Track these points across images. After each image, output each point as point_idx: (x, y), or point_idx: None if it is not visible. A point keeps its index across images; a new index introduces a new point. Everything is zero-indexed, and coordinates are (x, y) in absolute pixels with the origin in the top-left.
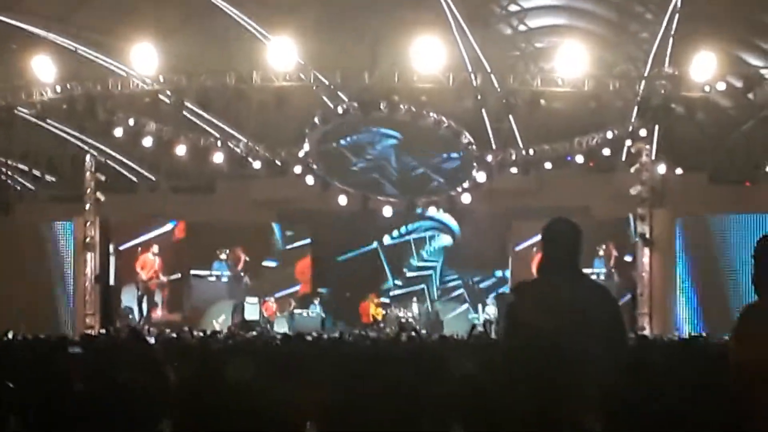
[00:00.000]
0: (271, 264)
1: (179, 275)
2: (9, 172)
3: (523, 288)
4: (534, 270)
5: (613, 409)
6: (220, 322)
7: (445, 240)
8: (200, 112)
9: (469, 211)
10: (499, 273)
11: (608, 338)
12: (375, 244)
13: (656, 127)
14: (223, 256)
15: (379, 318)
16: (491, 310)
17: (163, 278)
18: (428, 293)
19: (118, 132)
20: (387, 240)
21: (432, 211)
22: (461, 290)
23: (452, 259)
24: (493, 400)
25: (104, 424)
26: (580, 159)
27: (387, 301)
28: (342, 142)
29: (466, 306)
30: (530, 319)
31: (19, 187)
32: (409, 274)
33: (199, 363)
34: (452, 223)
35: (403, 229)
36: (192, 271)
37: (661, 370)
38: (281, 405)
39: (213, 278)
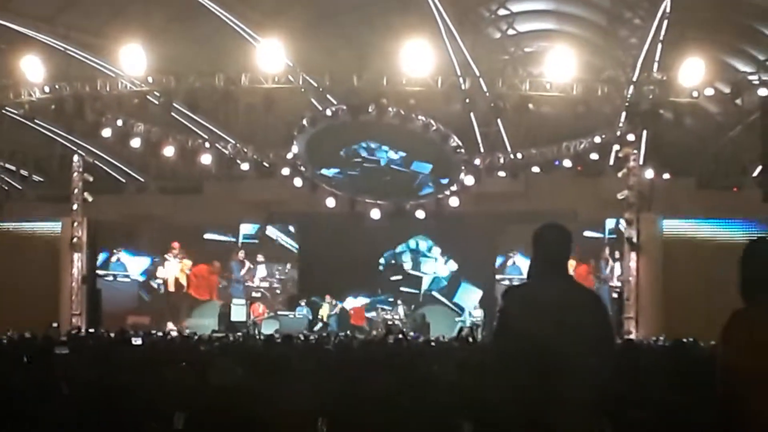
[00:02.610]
0: None
1: None
2: None
3: (513, 292)
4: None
5: (602, 412)
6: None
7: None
8: (189, 113)
9: (458, 214)
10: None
11: (597, 342)
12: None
13: (644, 132)
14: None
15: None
16: (478, 314)
17: None
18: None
19: (107, 132)
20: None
21: (420, 215)
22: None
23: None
24: (482, 403)
25: (91, 424)
26: (567, 163)
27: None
28: (331, 145)
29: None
30: (520, 322)
31: (6, 187)
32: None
33: (185, 364)
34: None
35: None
36: None
37: (648, 373)
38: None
39: None
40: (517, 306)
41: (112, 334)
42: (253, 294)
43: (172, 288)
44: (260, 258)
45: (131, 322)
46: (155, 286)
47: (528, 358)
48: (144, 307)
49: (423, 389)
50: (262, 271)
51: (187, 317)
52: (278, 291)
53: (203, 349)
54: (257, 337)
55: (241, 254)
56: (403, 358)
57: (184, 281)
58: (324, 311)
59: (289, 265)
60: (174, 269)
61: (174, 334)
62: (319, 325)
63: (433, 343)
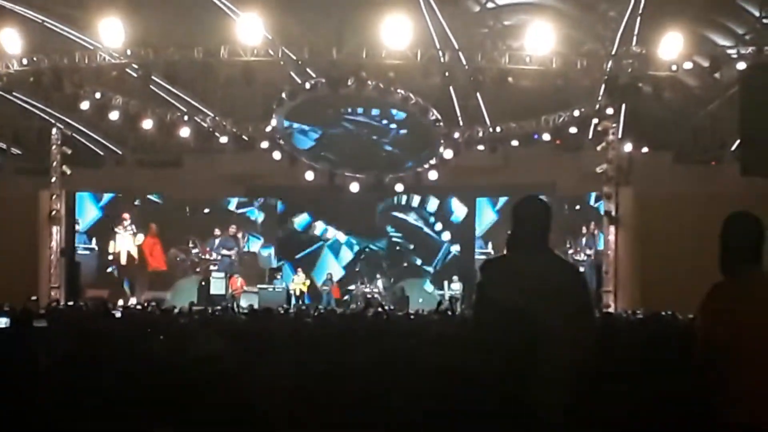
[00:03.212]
0: None
1: None
2: None
3: (491, 265)
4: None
5: (581, 384)
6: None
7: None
8: (167, 86)
9: (436, 188)
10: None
11: (576, 314)
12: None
13: (623, 105)
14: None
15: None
16: (456, 287)
17: None
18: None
19: (85, 105)
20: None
21: (399, 188)
22: (428, 267)
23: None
24: (462, 376)
25: (69, 396)
26: (546, 137)
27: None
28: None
29: (429, 282)
30: (498, 295)
31: None
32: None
33: (165, 337)
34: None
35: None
36: None
37: (625, 346)
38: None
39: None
40: (495, 279)
41: (91, 307)
42: (211, 267)
43: (123, 261)
44: (217, 231)
45: (90, 295)
46: (109, 259)
47: (507, 331)
48: (102, 281)
49: (402, 362)
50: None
51: (147, 290)
52: (236, 264)
53: (182, 321)
54: (236, 310)
55: (232, 229)
56: (382, 331)
57: (135, 254)
58: (296, 285)
59: (245, 238)
60: (126, 242)
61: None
62: (293, 300)
63: (412, 317)
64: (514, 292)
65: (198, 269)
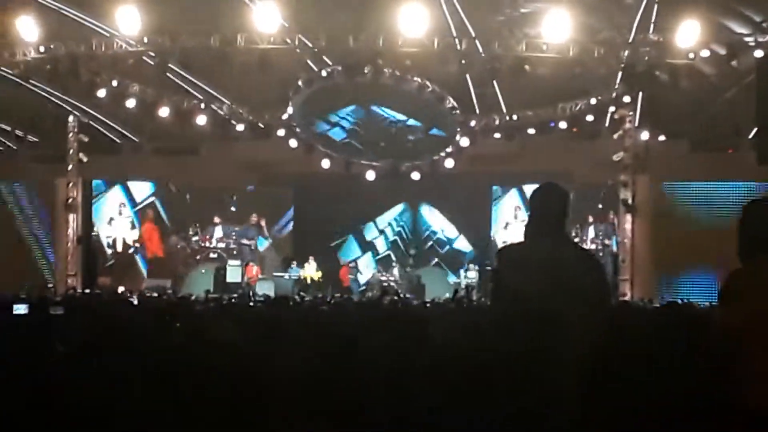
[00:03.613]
0: None
1: None
2: None
3: (506, 251)
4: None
5: (596, 370)
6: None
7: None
8: (184, 74)
9: (453, 176)
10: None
11: (593, 301)
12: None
13: (640, 93)
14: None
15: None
16: (472, 275)
17: None
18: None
19: (102, 93)
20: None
21: (415, 176)
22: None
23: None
24: (479, 363)
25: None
26: (563, 125)
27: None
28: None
29: (446, 270)
30: (514, 281)
31: (1, 147)
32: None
33: (182, 325)
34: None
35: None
36: None
37: (641, 333)
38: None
39: None
40: (510, 265)
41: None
42: (211, 255)
43: (120, 248)
44: (217, 219)
45: (101, 283)
46: (106, 246)
47: (523, 317)
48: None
49: (418, 350)
50: (219, 232)
51: (146, 277)
52: (235, 252)
53: (198, 309)
54: (251, 298)
55: (254, 218)
56: (398, 320)
57: (130, 241)
58: (307, 273)
59: (245, 227)
60: (122, 229)
61: (169, 293)
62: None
63: (428, 305)
64: (530, 278)
65: (198, 257)
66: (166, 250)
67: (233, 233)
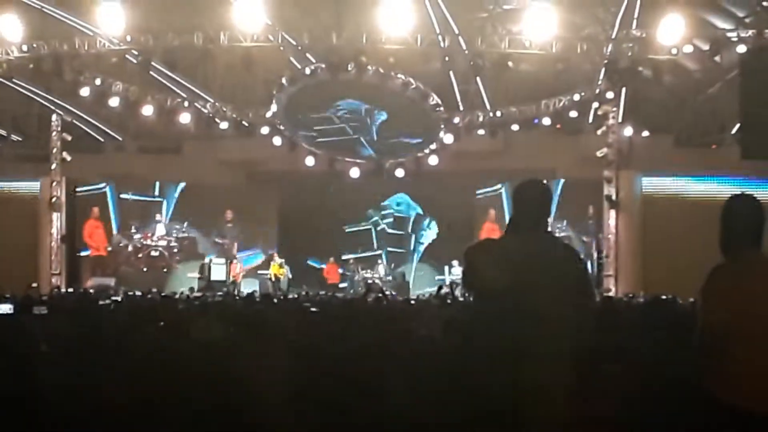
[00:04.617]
0: None
1: None
2: None
3: (482, 247)
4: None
5: (580, 366)
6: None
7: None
8: (167, 72)
9: (437, 173)
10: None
11: (575, 296)
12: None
13: (623, 89)
14: None
15: (281, 277)
16: (457, 272)
17: None
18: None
19: (85, 92)
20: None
21: (399, 173)
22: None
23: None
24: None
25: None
26: (547, 121)
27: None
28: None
29: (431, 268)
30: (491, 277)
31: None
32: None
33: (165, 323)
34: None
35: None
36: None
37: (625, 328)
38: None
39: None
40: (486, 261)
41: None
42: (152, 253)
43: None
44: (158, 217)
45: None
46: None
47: (505, 311)
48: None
49: (402, 347)
50: (161, 229)
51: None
52: (176, 250)
53: (182, 307)
54: (236, 296)
55: (229, 214)
56: (382, 317)
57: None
58: (273, 270)
59: (186, 224)
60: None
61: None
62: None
63: (412, 302)
64: (508, 274)
65: (140, 255)
66: (111, 249)
67: (155, 229)
